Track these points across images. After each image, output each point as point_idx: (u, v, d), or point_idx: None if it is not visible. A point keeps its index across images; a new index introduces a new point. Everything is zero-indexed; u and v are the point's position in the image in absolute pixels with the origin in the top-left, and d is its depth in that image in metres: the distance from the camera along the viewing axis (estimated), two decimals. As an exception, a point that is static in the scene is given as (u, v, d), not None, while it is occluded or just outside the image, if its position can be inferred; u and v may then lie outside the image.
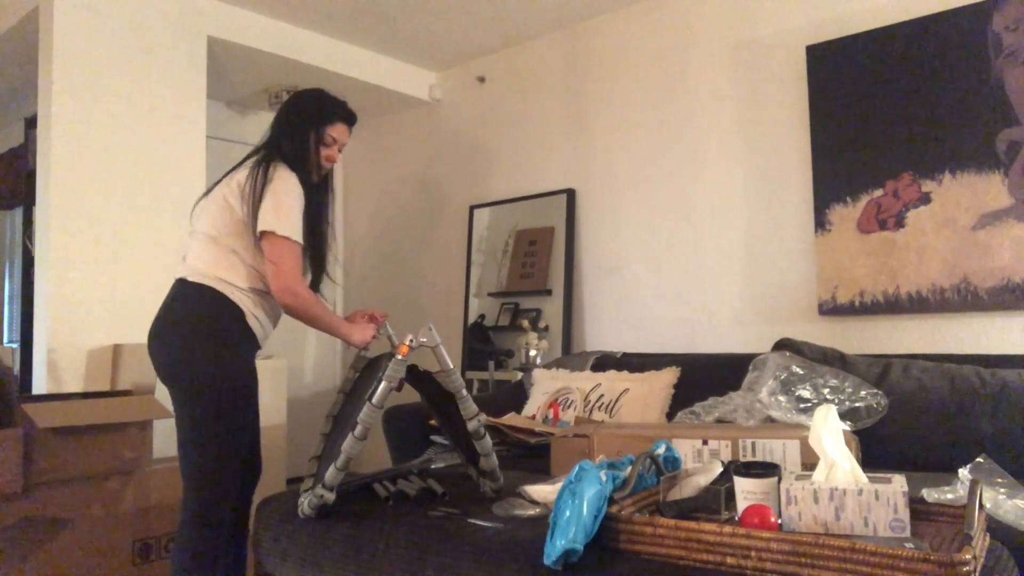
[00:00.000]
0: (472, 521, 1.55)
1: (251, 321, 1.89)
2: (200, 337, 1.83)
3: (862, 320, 2.79)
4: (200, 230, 1.93)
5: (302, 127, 2.02)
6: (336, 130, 2.05)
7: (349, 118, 2.09)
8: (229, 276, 1.87)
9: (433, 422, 2.67)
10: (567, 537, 1.23)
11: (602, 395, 2.80)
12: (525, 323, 3.59)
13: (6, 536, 2.25)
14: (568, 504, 1.26)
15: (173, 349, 1.84)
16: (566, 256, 3.61)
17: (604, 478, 1.32)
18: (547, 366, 3.20)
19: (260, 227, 1.85)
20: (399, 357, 1.71)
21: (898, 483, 1.27)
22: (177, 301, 1.88)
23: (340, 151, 2.10)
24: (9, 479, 2.26)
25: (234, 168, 1.98)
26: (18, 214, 4.67)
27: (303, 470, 4.68)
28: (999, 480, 1.56)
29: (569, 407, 2.83)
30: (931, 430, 2.18)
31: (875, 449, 2.18)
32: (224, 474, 1.84)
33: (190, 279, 1.88)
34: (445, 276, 4.27)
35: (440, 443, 2.62)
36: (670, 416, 2.65)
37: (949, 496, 1.43)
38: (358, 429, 1.65)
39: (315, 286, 2.06)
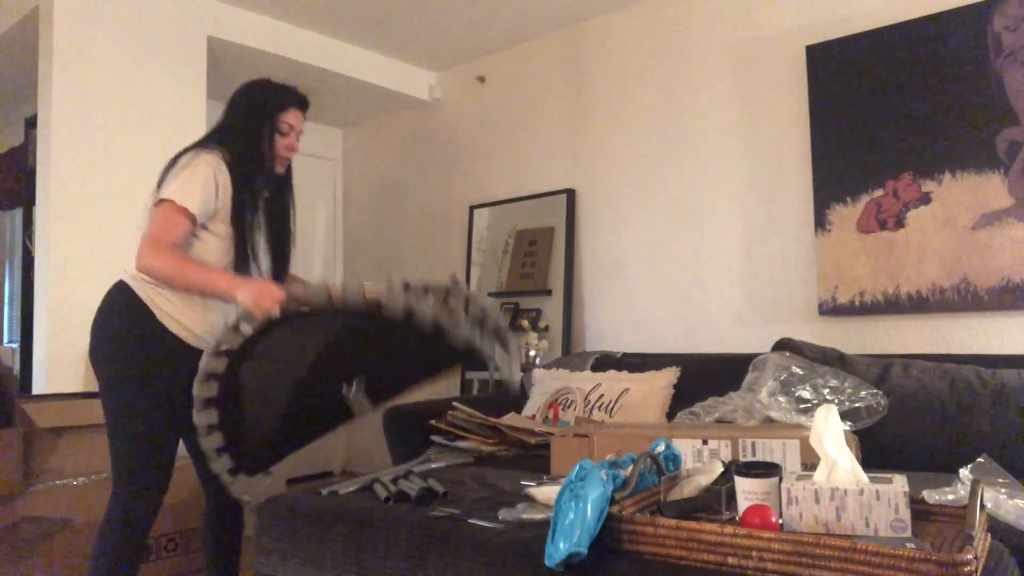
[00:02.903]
0: (473, 522, 1.55)
1: (161, 317, 1.84)
2: (101, 335, 1.83)
3: (862, 320, 2.79)
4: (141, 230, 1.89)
5: (254, 119, 1.94)
6: (291, 116, 1.97)
7: (302, 103, 2.01)
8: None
9: (434, 422, 2.67)
10: (571, 540, 1.23)
11: (602, 395, 2.80)
12: (525, 323, 3.59)
13: (6, 536, 2.25)
14: (571, 506, 1.26)
15: (90, 343, 1.86)
16: (566, 256, 3.61)
17: (606, 478, 1.32)
18: (547, 366, 3.20)
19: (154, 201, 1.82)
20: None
21: (899, 483, 1.27)
22: (103, 299, 1.89)
23: (298, 139, 2.01)
24: (9, 479, 2.26)
25: None
26: (18, 214, 4.66)
27: (303, 470, 4.67)
28: (1000, 480, 1.56)
29: (569, 407, 2.83)
30: (931, 430, 2.18)
31: (875, 449, 2.17)
32: (137, 471, 1.82)
33: (120, 278, 1.88)
34: (445, 276, 4.26)
35: (440, 443, 2.62)
36: (670, 416, 2.65)
37: (950, 496, 1.43)
38: None
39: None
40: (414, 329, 1.79)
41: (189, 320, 1.87)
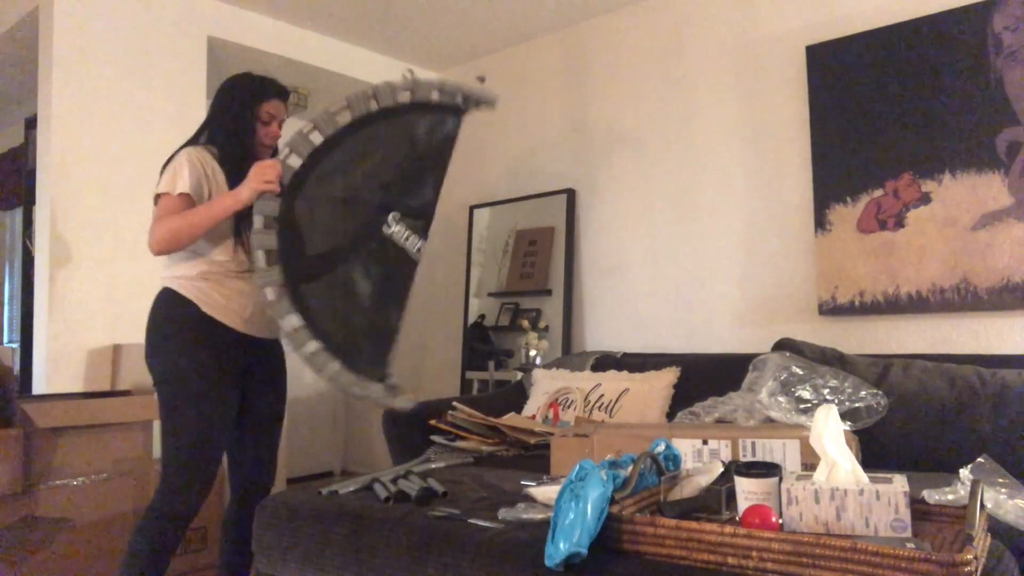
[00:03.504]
0: (473, 522, 1.55)
1: (208, 309, 1.91)
2: (153, 335, 1.93)
3: (862, 320, 2.79)
4: None
5: (237, 111, 2.02)
6: (272, 106, 2.05)
7: (282, 93, 2.10)
8: (179, 270, 1.94)
9: (434, 422, 2.67)
10: (571, 540, 1.23)
11: (602, 395, 2.80)
12: (525, 323, 3.59)
13: (6, 536, 2.25)
14: (571, 506, 1.26)
15: (144, 348, 1.96)
16: (566, 256, 3.61)
17: (606, 478, 1.32)
18: (547, 366, 3.20)
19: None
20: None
21: (899, 483, 1.27)
22: (152, 305, 1.98)
23: (280, 127, 2.09)
24: (9, 479, 2.26)
25: None
26: (18, 214, 4.67)
27: (303, 470, 4.66)
28: (1000, 480, 1.56)
29: (569, 407, 2.83)
30: (931, 430, 2.18)
31: (875, 449, 2.18)
32: (185, 466, 1.88)
33: (164, 285, 1.97)
34: (445, 276, 4.27)
35: (440, 443, 2.62)
36: (670, 416, 2.65)
37: (950, 496, 1.43)
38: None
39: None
40: (406, 115, 1.97)
41: (236, 307, 1.94)
